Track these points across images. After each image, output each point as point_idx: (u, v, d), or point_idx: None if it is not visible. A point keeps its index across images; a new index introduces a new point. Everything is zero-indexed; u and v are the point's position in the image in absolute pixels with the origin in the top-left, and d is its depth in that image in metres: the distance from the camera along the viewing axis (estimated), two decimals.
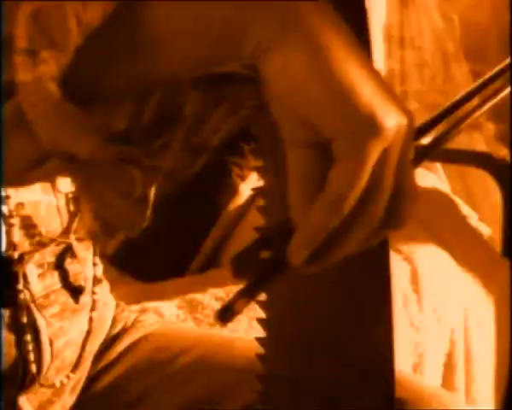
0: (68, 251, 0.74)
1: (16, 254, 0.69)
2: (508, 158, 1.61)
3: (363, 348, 0.60)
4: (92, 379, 0.80)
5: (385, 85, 0.48)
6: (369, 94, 0.46)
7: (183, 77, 0.50)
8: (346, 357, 0.60)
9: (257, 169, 0.56)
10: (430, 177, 1.63)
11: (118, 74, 0.47)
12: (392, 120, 0.46)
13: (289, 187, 0.49)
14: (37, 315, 0.71)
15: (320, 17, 0.47)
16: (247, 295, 0.49)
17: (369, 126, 0.46)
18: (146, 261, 1.49)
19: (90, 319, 0.77)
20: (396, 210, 0.49)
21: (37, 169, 0.47)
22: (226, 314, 0.49)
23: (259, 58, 0.46)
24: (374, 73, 0.47)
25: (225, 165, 1.54)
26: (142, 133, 0.52)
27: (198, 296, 1.31)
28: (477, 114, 0.55)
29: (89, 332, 0.77)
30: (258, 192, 0.57)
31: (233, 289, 1.55)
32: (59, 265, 0.73)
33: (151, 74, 0.48)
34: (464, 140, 1.83)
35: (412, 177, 0.49)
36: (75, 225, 0.73)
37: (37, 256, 0.71)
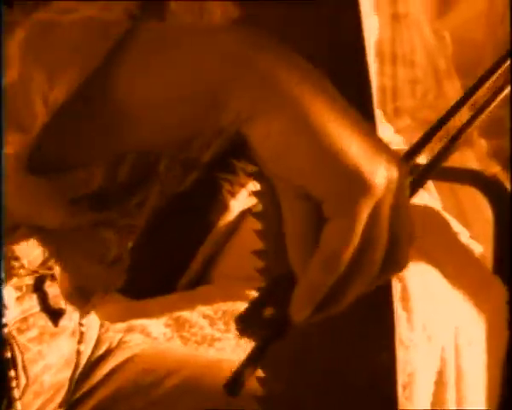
0: (48, 274, 0.73)
1: (3, 287, 0.68)
2: (499, 175, 1.60)
3: (364, 371, 0.60)
4: (74, 404, 0.78)
5: (373, 137, 0.47)
6: (355, 152, 0.46)
7: (161, 146, 0.49)
8: (346, 380, 0.60)
9: (254, 193, 0.56)
10: (421, 194, 1.62)
11: (88, 145, 0.46)
12: (380, 176, 0.46)
13: (287, 239, 0.49)
14: (13, 340, 0.70)
15: (300, 79, 0.46)
16: (252, 362, 0.49)
17: (358, 186, 0.46)
18: (135, 278, 1.48)
19: (78, 352, 0.76)
20: (394, 255, 0.49)
21: (6, 237, 0.47)
22: (235, 386, 0.48)
23: (241, 126, 0.45)
24: (361, 128, 0.47)
25: (216, 181, 1.53)
26: (118, 193, 0.52)
27: (185, 314, 1.30)
28: (473, 125, 0.55)
29: (76, 366, 0.76)
30: (255, 216, 0.57)
31: (222, 306, 1.54)
32: (38, 287, 0.72)
33: (125, 145, 0.47)
34: (456, 157, 1.82)
35: (408, 220, 0.49)
36: None
37: (15, 279, 0.70)
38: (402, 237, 0.49)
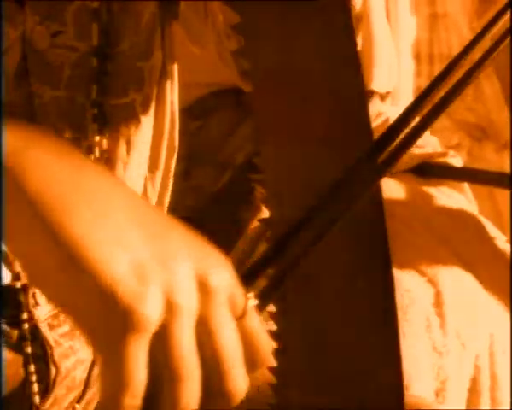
0: None
1: (19, 284, 0.68)
2: None
3: (371, 386, 0.59)
4: None
5: (168, 244, 0.38)
6: (118, 272, 0.36)
7: None
8: (353, 394, 0.59)
9: (262, 200, 0.56)
10: (456, 197, 1.60)
11: None
12: (154, 301, 0.37)
13: None
14: (44, 336, 0.70)
15: (45, 186, 0.38)
16: None
17: (118, 319, 0.36)
18: None
19: None
20: (219, 387, 0.40)
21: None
22: None
23: None
24: (144, 233, 0.37)
25: (247, 183, 1.52)
26: None
27: None
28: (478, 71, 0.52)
29: (94, 363, 0.76)
30: (264, 223, 0.56)
31: None
32: None
33: None
34: (494, 160, 1.79)
35: (249, 337, 0.40)
36: None
37: None
38: (226, 362, 0.39)
